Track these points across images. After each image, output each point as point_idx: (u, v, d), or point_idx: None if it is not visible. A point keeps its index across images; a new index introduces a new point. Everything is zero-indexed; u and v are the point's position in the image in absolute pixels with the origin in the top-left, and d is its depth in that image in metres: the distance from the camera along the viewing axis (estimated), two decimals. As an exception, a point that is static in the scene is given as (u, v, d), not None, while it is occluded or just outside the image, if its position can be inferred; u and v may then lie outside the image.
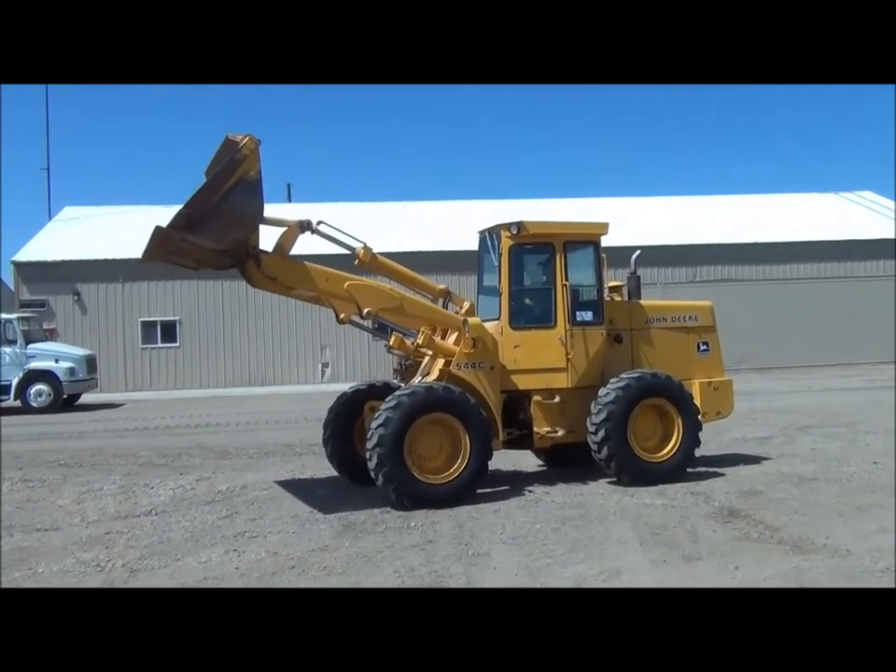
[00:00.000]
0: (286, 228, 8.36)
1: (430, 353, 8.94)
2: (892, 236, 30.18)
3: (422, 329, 8.72)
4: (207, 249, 7.82)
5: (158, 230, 7.18)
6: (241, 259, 8.02)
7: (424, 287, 9.71)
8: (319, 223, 8.45)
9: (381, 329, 9.07)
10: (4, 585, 6.01)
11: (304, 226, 8.37)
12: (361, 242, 8.84)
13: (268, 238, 8.19)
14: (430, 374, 8.87)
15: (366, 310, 8.47)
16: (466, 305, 9.61)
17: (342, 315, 8.51)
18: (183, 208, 7.26)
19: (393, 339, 8.72)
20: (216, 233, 7.47)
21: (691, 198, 35.81)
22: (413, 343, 8.77)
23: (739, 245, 29.84)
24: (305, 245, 8.99)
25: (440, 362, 8.87)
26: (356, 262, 8.94)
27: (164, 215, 7.74)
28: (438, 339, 8.89)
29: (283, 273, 8.21)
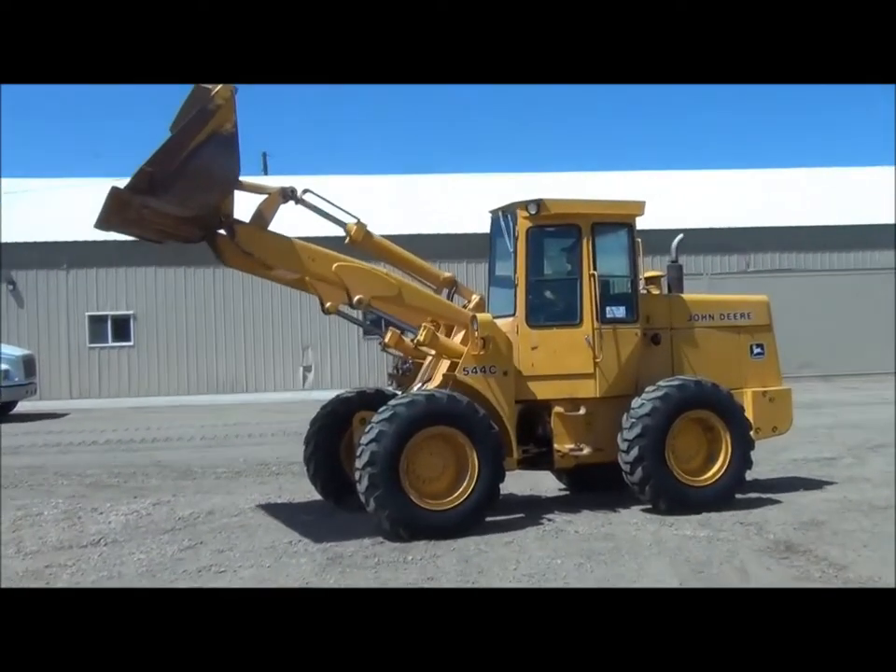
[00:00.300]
0: (265, 196, 8.42)
1: (433, 353, 8.95)
2: None
3: (424, 324, 8.69)
4: (172, 217, 7.88)
5: (114, 191, 7.27)
6: (211, 229, 8.07)
7: (426, 274, 9.73)
8: (305, 191, 8.53)
9: (374, 324, 9.09)
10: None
11: (287, 194, 8.43)
12: (354, 217, 8.88)
13: (244, 212, 8.23)
14: (432, 380, 8.89)
15: (357, 297, 8.50)
16: (475, 299, 9.63)
17: (328, 304, 8.54)
18: (144, 166, 7.31)
19: (389, 335, 8.72)
20: (182, 197, 7.52)
21: (743, 172, 35.71)
22: (412, 341, 8.79)
23: (800, 228, 29.82)
24: (284, 224, 8.99)
25: (443, 365, 8.89)
26: (346, 241, 8.98)
27: (119, 188, 7.83)
28: (442, 337, 8.90)
29: (261, 248, 8.25)
